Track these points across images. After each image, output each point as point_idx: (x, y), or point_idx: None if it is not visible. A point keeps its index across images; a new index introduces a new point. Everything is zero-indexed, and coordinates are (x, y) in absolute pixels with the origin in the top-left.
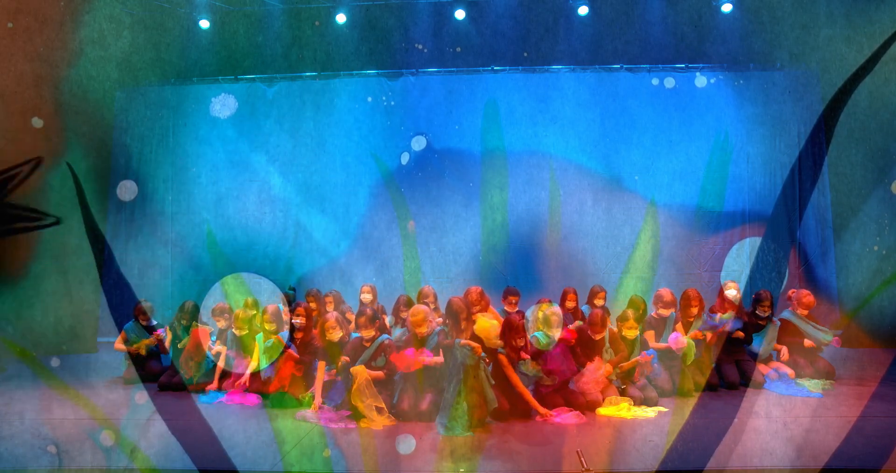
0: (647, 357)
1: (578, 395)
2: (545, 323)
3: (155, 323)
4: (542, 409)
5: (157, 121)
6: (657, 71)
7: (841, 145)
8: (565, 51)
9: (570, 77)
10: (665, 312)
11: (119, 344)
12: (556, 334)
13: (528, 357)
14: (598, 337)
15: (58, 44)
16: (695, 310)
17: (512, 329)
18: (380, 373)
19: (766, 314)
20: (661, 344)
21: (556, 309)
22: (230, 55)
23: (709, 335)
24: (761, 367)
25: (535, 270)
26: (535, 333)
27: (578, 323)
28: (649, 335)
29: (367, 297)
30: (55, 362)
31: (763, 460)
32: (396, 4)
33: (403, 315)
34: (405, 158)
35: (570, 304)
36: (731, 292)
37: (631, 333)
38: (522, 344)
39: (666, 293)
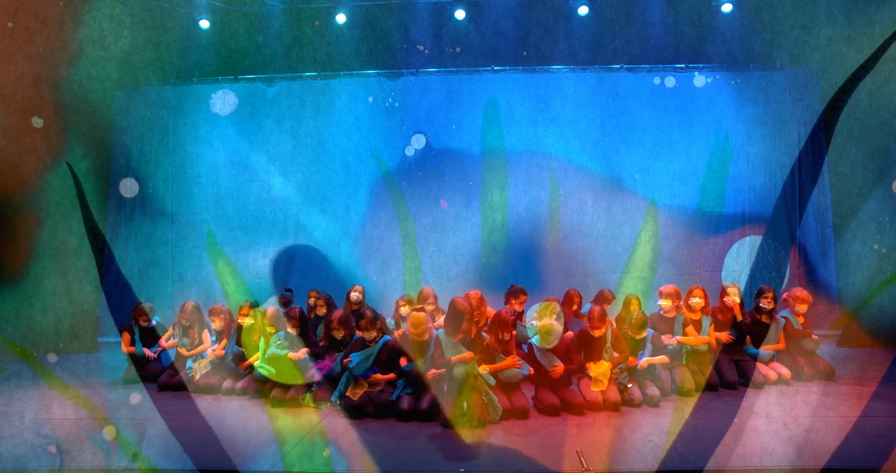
0: (637, 360)
1: (578, 395)
2: (543, 335)
3: (154, 323)
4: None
5: (157, 121)
6: (657, 71)
7: (841, 145)
8: (565, 51)
9: (570, 77)
10: (670, 314)
11: (126, 347)
12: (552, 345)
13: (515, 352)
14: (597, 333)
15: (58, 44)
16: (698, 315)
17: (500, 323)
18: (391, 375)
19: (770, 306)
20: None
21: (558, 326)
22: (230, 55)
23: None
24: (761, 367)
25: (536, 270)
26: (532, 339)
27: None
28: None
29: (356, 296)
30: (52, 358)
31: (763, 460)
32: (396, 4)
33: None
34: (410, 151)
35: (574, 307)
36: (730, 299)
37: (638, 337)
38: (508, 339)
39: (667, 285)
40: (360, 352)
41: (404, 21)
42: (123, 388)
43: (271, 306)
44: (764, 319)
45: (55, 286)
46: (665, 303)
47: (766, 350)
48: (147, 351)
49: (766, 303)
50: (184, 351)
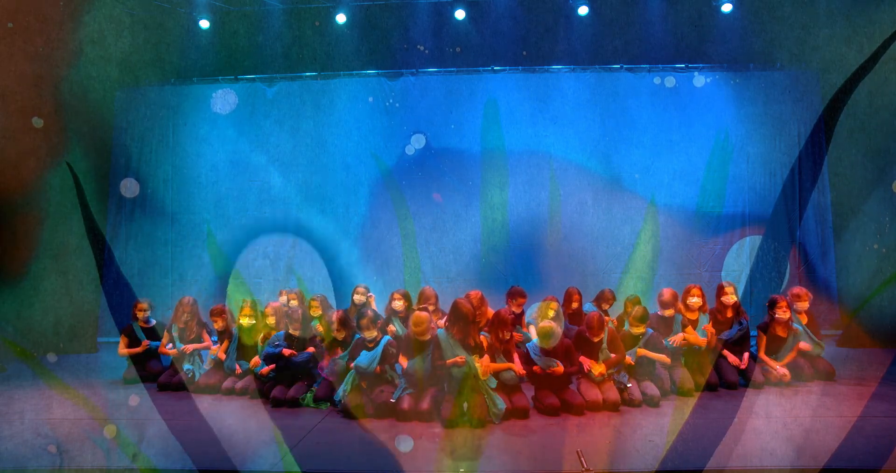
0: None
1: (578, 395)
2: (543, 337)
3: (154, 322)
4: (520, 368)
5: (157, 121)
6: (657, 71)
7: (841, 145)
8: (565, 51)
9: (570, 77)
10: (668, 313)
11: (123, 350)
12: (551, 347)
13: (515, 351)
14: (596, 339)
15: (58, 44)
16: (696, 314)
17: (500, 322)
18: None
19: (787, 316)
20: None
21: (557, 328)
22: (230, 55)
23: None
24: (761, 367)
25: (536, 270)
26: (531, 341)
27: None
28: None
29: (359, 299)
30: (52, 358)
31: (763, 460)
32: (396, 4)
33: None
34: (410, 151)
35: (574, 305)
36: (728, 298)
37: (636, 331)
38: (508, 338)
39: (665, 292)
40: (365, 354)
41: (404, 21)
42: (123, 388)
43: (273, 302)
44: (779, 332)
45: (55, 286)
46: (666, 312)
47: (782, 366)
48: (145, 343)
49: (781, 314)
50: (174, 352)
